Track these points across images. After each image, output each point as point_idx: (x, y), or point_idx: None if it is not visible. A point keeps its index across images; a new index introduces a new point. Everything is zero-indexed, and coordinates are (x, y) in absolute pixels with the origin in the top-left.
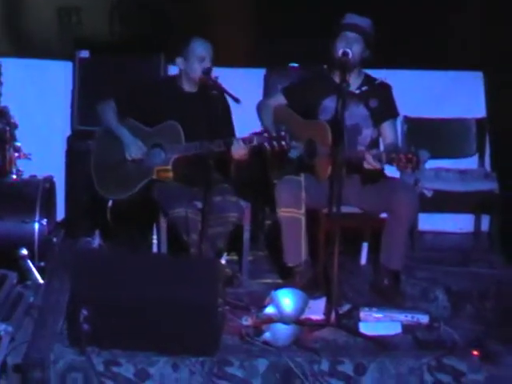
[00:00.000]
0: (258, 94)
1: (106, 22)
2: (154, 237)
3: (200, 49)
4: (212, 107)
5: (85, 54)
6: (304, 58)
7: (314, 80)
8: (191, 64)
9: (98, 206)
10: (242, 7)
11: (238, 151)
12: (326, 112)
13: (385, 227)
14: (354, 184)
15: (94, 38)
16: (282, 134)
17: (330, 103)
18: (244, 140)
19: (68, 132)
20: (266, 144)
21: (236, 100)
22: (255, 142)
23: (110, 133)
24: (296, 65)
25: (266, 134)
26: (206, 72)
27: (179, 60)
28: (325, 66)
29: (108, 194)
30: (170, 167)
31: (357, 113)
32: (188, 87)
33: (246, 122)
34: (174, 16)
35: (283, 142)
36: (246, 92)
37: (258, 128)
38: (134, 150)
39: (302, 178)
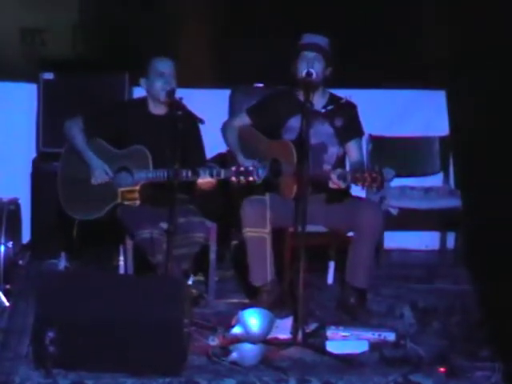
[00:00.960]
0: (223, 115)
1: (69, 42)
2: (121, 258)
3: (159, 65)
4: (180, 130)
5: (49, 75)
6: (268, 78)
7: (278, 99)
8: (152, 82)
9: (64, 227)
10: (206, 27)
11: (205, 183)
12: (291, 131)
13: (350, 246)
14: (320, 202)
15: (57, 58)
16: (250, 168)
17: (294, 123)
18: (211, 173)
19: (33, 154)
20: (233, 178)
21: (200, 121)
22: (222, 176)
23: (75, 153)
24: (261, 84)
25: (233, 169)
26: (170, 94)
27: (142, 81)
28: (289, 87)
29: (74, 213)
30: (136, 189)
31: (322, 131)
32: (155, 109)
33: (211, 142)
34: (137, 36)
35: (250, 178)
36: (211, 112)
37: (223, 148)
38: (100, 174)
39: (267, 197)
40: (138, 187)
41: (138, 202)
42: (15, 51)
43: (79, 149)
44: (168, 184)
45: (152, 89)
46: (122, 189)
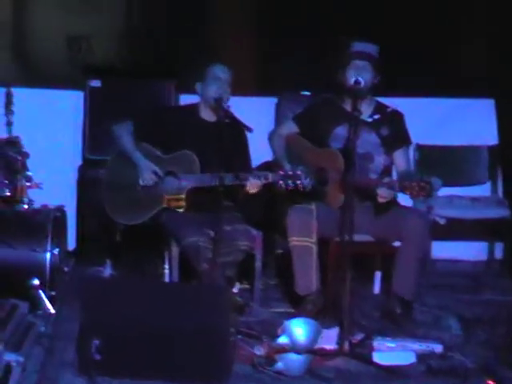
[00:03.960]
0: (269, 123)
1: (116, 49)
2: (166, 265)
3: (217, 70)
4: (229, 138)
5: (96, 83)
6: (315, 86)
7: (325, 108)
8: (207, 86)
9: (109, 234)
10: (254, 35)
11: (253, 186)
12: (338, 140)
13: (397, 255)
14: (367, 212)
15: (104, 65)
16: (298, 173)
17: (341, 131)
18: (259, 176)
19: (79, 161)
20: (280, 183)
21: (248, 129)
22: (270, 180)
23: (123, 156)
24: (307, 93)
25: (281, 172)
26: (218, 101)
27: (198, 85)
28: (336, 95)
29: (118, 217)
30: (183, 196)
31: (368, 141)
32: (206, 116)
33: (258, 151)
34: (185, 43)
35: (298, 182)
36: (257, 121)
37: (269, 157)
38: (148, 175)
39: (313, 206)
40: (184, 194)
41: (183, 209)
42: (62, 58)
43: (127, 149)
44: (214, 190)
45: (206, 93)
46: (169, 196)
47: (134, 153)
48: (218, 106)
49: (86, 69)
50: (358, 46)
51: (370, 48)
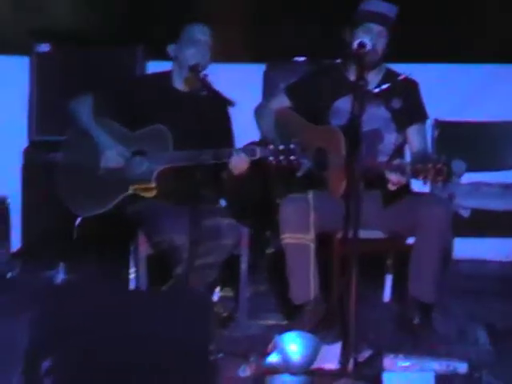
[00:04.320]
0: (256, 95)
1: (69, 7)
2: (132, 268)
3: (196, 31)
4: (208, 111)
5: (44, 47)
6: (312, 51)
7: (324, 77)
8: (183, 49)
9: (63, 231)
10: None
11: (238, 164)
12: (339, 115)
13: (413, 251)
14: (374, 201)
15: (55, 27)
16: (292, 146)
17: (343, 105)
18: (245, 151)
19: (24, 143)
20: (271, 158)
21: (229, 102)
22: (258, 155)
23: (81, 134)
24: (302, 58)
25: (271, 147)
26: (193, 69)
27: (171, 47)
28: (338, 61)
29: (75, 208)
30: (153, 180)
31: (376, 115)
32: (181, 85)
33: (242, 129)
34: (152, 1)
35: (292, 157)
36: (241, 92)
37: (256, 136)
38: (112, 156)
39: (310, 195)
40: (154, 178)
41: (153, 195)
42: (3, 17)
43: (86, 126)
44: (191, 173)
45: (182, 57)
46: (136, 180)
47: (94, 130)
48: (194, 74)
49: (32, 30)
50: (373, 5)
51: (388, 8)
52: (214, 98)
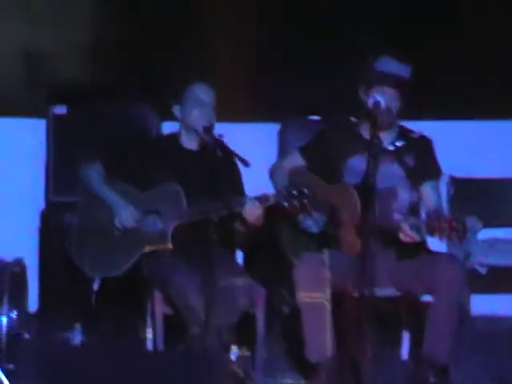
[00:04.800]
0: (271, 154)
1: (85, 68)
2: (149, 329)
3: (199, 91)
4: (218, 169)
5: (61, 109)
6: (325, 109)
7: (338, 135)
8: (190, 111)
9: (79, 292)
10: (249, 48)
11: (252, 211)
12: (353, 173)
13: (429, 311)
14: (389, 260)
15: (70, 88)
16: (305, 191)
17: (357, 163)
18: (258, 198)
19: (42, 205)
20: (284, 203)
21: (244, 163)
22: (272, 201)
23: (95, 199)
24: (316, 117)
25: (284, 192)
26: (207, 130)
27: (176, 108)
28: (352, 119)
29: (91, 270)
30: (168, 237)
31: (391, 173)
32: (189, 143)
33: (257, 188)
34: (166, 62)
35: (305, 200)
36: (256, 152)
37: None
38: (125, 216)
39: (325, 254)
40: (169, 235)
41: (169, 252)
42: (18, 79)
43: (97, 191)
44: (204, 228)
45: (188, 118)
46: (152, 239)
47: (105, 192)
48: (208, 135)
49: (48, 92)
50: (386, 65)
51: (402, 69)
52: (225, 157)
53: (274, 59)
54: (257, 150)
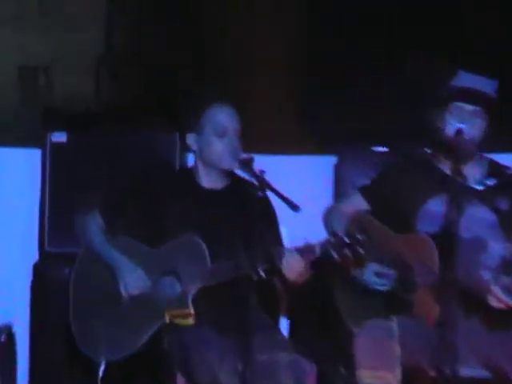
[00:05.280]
0: (324, 195)
1: (91, 86)
2: None
3: (220, 116)
4: (250, 213)
5: (60, 136)
6: (393, 139)
7: (411, 172)
8: (208, 141)
9: (81, 366)
10: (298, 67)
11: (293, 266)
12: (430, 220)
13: None
14: (476, 331)
15: (73, 111)
16: (359, 237)
17: (435, 206)
18: (300, 248)
19: (35, 257)
20: (333, 254)
21: (293, 206)
22: (317, 252)
23: (96, 257)
24: (382, 149)
25: (332, 240)
26: (246, 163)
27: (190, 137)
28: (427, 151)
29: (97, 353)
30: (189, 309)
31: (478, 220)
32: (209, 182)
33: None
34: (190, 80)
35: (360, 249)
36: (306, 193)
37: None
38: (133, 282)
39: (393, 322)
40: (190, 302)
41: (191, 323)
42: (9, 100)
43: (98, 250)
44: (236, 290)
45: (208, 151)
46: (169, 308)
47: (107, 253)
48: (246, 170)
49: (45, 115)
50: (468, 80)
51: (485, 84)
52: (259, 197)
53: (327, 81)
54: (306, 189)
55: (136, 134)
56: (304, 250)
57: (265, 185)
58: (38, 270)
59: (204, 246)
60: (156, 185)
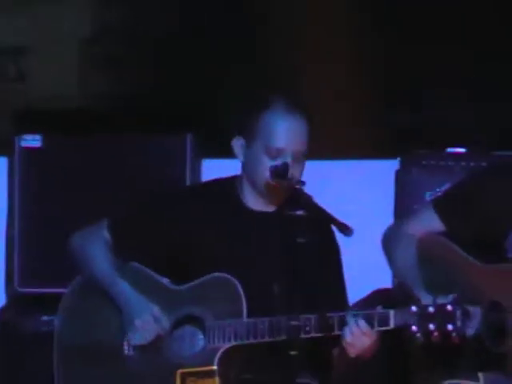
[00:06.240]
0: (383, 209)
1: (73, 78)
2: None
3: (282, 123)
4: (306, 247)
5: (33, 141)
6: (474, 138)
7: (499, 181)
8: (257, 157)
9: None
10: (356, 61)
11: (357, 339)
12: None
13: None
14: None
15: (49, 109)
16: (449, 308)
17: None
18: (369, 317)
19: (1, 299)
20: (414, 329)
21: (345, 229)
22: (392, 324)
23: (92, 289)
24: (461, 149)
25: (414, 309)
26: (280, 174)
27: (237, 143)
28: None
29: None
30: (214, 368)
31: None
32: (255, 202)
33: (359, 263)
34: (204, 73)
35: (450, 326)
36: (360, 206)
37: (386, 282)
38: (147, 327)
39: (480, 381)
40: (217, 364)
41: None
42: None
43: (101, 276)
44: (278, 354)
45: (255, 168)
46: (187, 367)
47: (114, 283)
48: (298, 191)
49: (14, 115)
50: None
51: None
52: (317, 224)
53: (391, 72)
54: (361, 203)
55: (134, 140)
56: (374, 319)
57: (309, 203)
58: (6, 316)
59: (240, 291)
60: (189, 203)
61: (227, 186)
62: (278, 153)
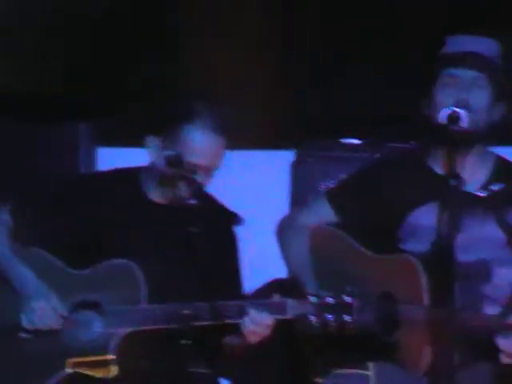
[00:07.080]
0: (277, 202)
1: None
2: None
3: (200, 135)
4: (203, 236)
5: None
6: (368, 128)
7: (392, 172)
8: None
9: None
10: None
11: (256, 327)
12: (418, 236)
13: None
14: (481, 381)
15: None
16: (347, 299)
17: (424, 217)
18: (269, 307)
19: None
20: (312, 318)
21: (235, 219)
22: (289, 314)
23: None
24: (355, 141)
25: (313, 300)
26: (174, 161)
27: (151, 141)
28: (413, 144)
29: None
30: (109, 357)
31: (482, 236)
32: (155, 193)
33: (256, 254)
34: (116, 61)
35: (347, 317)
36: (257, 197)
37: (280, 272)
38: (43, 311)
39: (370, 371)
40: (111, 354)
41: (110, 372)
42: None
43: (0, 260)
44: (174, 341)
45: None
46: (83, 355)
47: (13, 267)
48: (177, 171)
49: None
50: (460, 43)
51: (484, 45)
52: (212, 214)
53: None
54: (259, 194)
55: (32, 126)
56: (273, 309)
57: (204, 195)
58: None
59: (141, 277)
60: (93, 189)
61: (130, 176)
62: (201, 152)
